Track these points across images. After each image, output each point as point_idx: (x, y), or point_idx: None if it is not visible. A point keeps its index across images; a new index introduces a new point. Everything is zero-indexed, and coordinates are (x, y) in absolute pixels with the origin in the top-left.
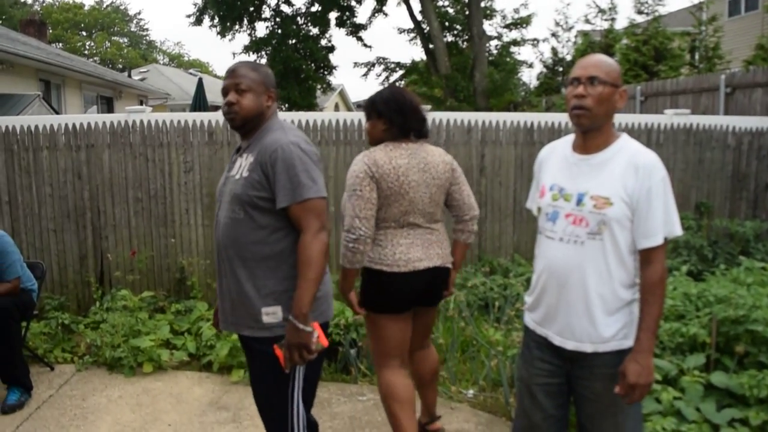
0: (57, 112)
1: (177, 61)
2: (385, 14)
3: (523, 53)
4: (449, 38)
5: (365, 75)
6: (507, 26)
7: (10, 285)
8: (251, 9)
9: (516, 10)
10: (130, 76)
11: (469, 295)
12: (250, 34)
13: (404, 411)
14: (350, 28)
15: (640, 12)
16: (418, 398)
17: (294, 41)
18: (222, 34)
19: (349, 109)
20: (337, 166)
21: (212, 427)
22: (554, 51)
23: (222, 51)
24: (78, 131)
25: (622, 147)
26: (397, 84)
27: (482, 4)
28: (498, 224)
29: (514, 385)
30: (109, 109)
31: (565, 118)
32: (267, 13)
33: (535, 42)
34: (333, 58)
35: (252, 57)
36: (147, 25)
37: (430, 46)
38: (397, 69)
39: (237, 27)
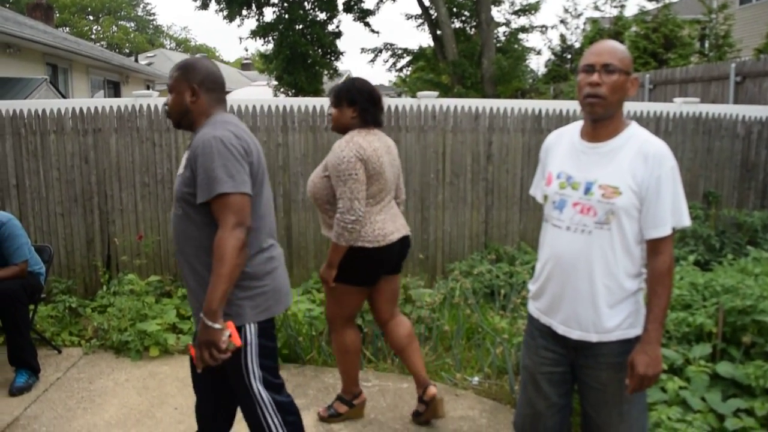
0: (64, 96)
1: (184, 46)
2: (393, 0)
3: (531, 40)
4: (457, 24)
5: (372, 61)
6: (515, 13)
7: (18, 268)
8: None
9: None
10: (137, 60)
11: (475, 283)
12: (258, 19)
13: (356, 360)
14: (358, 14)
15: None
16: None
17: (301, 26)
18: (229, 18)
19: None
20: None
21: None
22: (563, 38)
23: (229, 36)
24: (85, 115)
25: (631, 135)
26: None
27: None
28: (504, 212)
29: (518, 373)
30: (116, 94)
31: (574, 106)
32: None
33: (543, 29)
34: (340, 43)
35: (259, 42)
36: (154, 9)
37: (438, 32)
38: (405, 55)
39: (244, 12)
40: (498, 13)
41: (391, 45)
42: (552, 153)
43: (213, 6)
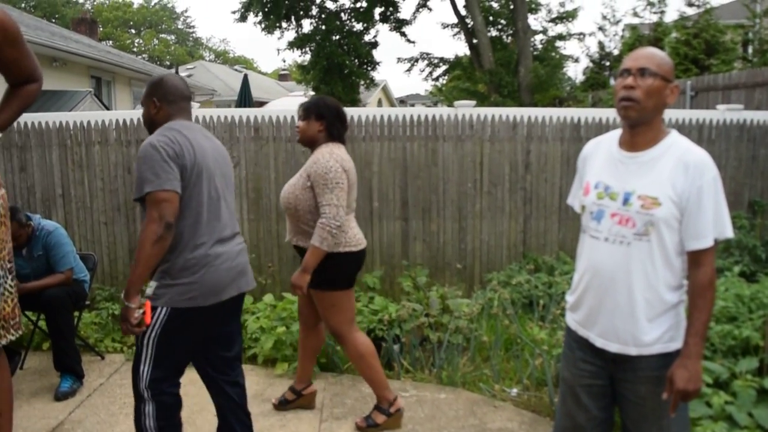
0: (108, 108)
1: (222, 57)
2: (429, 9)
3: (568, 48)
4: (493, 33)
5: (408, 70)
6: (552, 20)
7: (64, 276)
8: (297, 6)
9: (562, 4)
10: (177, 72)
11: (513, 293)
12: (296, 31)
13: (377, 362)
14: (394, 24)
15: (690, 4)
16: (298, 366)
17: (338, 37)
18: (268, 30)
19: (391, 104)
20: (381, 162)
21: (256, 419)
22: (601, 45)
23: (266, 47)
24: (128, 126)
25: (671, 144)
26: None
27: None
28: (543, 221)
29: (558, 385)
30: None
31: (613, 114)
32: (313, 10)
33: (581, 36)
34: (376, 53)
35: (296, 53)
36: (193, 22)
37: (474, 41)
38: (441, 64)
39: (283, 24)
40: (535, 21)
41: (428, 54)
42: (590, 162)
43: (251, 18)
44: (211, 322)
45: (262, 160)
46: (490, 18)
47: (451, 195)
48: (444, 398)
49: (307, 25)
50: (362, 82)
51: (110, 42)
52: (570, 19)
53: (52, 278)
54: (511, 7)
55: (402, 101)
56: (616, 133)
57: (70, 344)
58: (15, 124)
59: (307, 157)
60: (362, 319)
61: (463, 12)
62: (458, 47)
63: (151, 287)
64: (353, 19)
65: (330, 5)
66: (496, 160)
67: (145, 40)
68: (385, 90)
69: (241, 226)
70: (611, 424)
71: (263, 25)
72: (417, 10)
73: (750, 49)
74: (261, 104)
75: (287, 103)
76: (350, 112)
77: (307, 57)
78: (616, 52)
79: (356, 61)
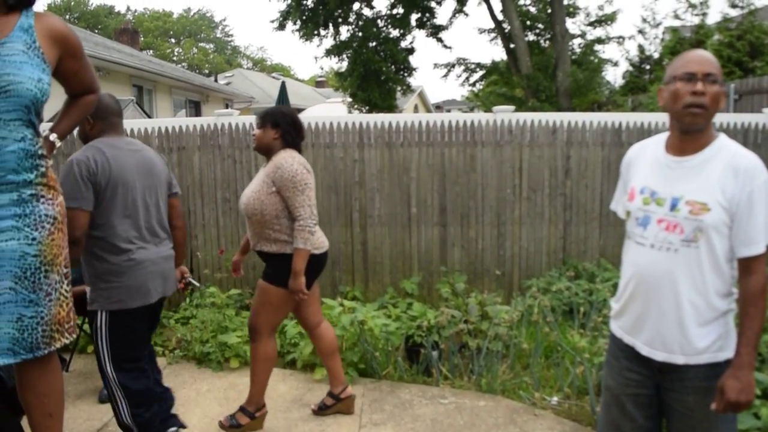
0: (149, 116)
1: (260, 65)
2: (466, 14)
3: (607, 51)
4: (531, 37)
5: (445, 76)
6: (591, 24)
7: None
8: (335, 14)
9: (600, 7)
10: (216, 80)
11: (553, 300)
12: (333, 38)
13: (271, 369)
14: (430, 30)
15: (733, 6)
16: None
17: (374, 44)
18: (306, 38)
19: (428, 110)
20: (419, 167)
21: (296, 423)
22: (641, 48)
23: (303, 54)
24: (170, 134)
25: (720, 148)
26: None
27: (565, 2)
28: (584, 228)
29: (599, 394)
30: (197, 113)
31: (656, 118)
32: (351, 17)
33: (620, 40)
34: (413, 59)
35: (333, 60)
36: (231, 31)
37: (511, 45)
38: (478, 69)
39: (321, 31)
40: (573, 25)
41: (464, 60)
42: (634, 167)
43: (290, 27)
44: (142, 322)
45: None
46: (528, 22)
47: (490, 201)
48: (483, 406)
49: (344, 32)
50: (399, 88)
51: (151, 51)
52: (609, 23)
53: None
54: (549, 11)
55: (438, 107)
56: (662, 137)
57: None
58: None
59: (349, 164)
60: (401, 325)
61: (500, 17)
62: (495, 52)
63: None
64: (390, 26)
65: (367, 12)
66: (536, 165)
67: (185, 49)
68: (422, 96)
69: None
70: None
71: (301, 33)
72: (453, 15)
73: None
74: (298, 111)
75: (325, 110)
76: (388, 118)
77: (344, 64)
78: (656, 55)
79: (393, 67)
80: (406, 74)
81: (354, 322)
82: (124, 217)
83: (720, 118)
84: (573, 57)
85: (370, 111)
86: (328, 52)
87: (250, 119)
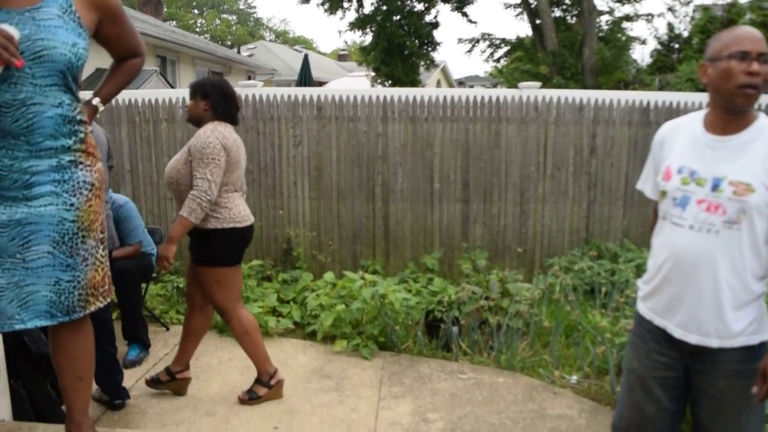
0: (172, 87)
1: (282, 37)
2: None
3: (635, 29)
4: (557, 13)
5: (469, 51)
6: (619, 0)
7: (133, 248)
8: None
9: None
10: (239, 52)
11: (575, 279)
12: (358, 11)
13: (260, 337)
14: (455, 4)
15: None
16: (179, 348)
17: (398, 17)
18: (330, 11)
19: (450, 85)
20: (443, 143)
21: (316, 394)
22: (670, 26)
23: (326, 27)
24: None
25: (762, 128)
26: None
27: None
28: (608, 207)
29: (620, 374)
30: None
31: (685, 98)
32: None
33: (649, 17)
34: (437, 34)
35: (357, 34)
36: (254, 2)
37: (537, 21)
38: (502, 45)
39: (344, 4)
40: (601, 1)
41: (489, 35)
42: (668, 146)
43: (314, 0)
44: None
45: (324, 139)
46: None
47: (513, 178)
48: (502, 382)
49: (368, 6)
50: (422, 63)
51: (174, 22)
52: (638, 0)
53: (122, 250)
54: None
55: (461, 82)
56: (697, 116)
57: (138, 315)
58: None
59: (372, 138)
60: (421, 300)
61: None
62: (520, 28)
63: None
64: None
65: None
66: (561, 143)
67: (208, 20)
68: (444, 71)
69: (302, 205)
70: (682, 416)
71: (326, 6)
72: None
73: None
74: (320, 84)
75: (348, 83)
76: (412, 92)
77: (368, 38)
78: (685, 34)
79: (416, 41)
80: (429, 49)
81: (375, 296)
82: None
83: None
84: (600, 34)
85: (393, 85)
86: (352, 26)
87: (274, 91)
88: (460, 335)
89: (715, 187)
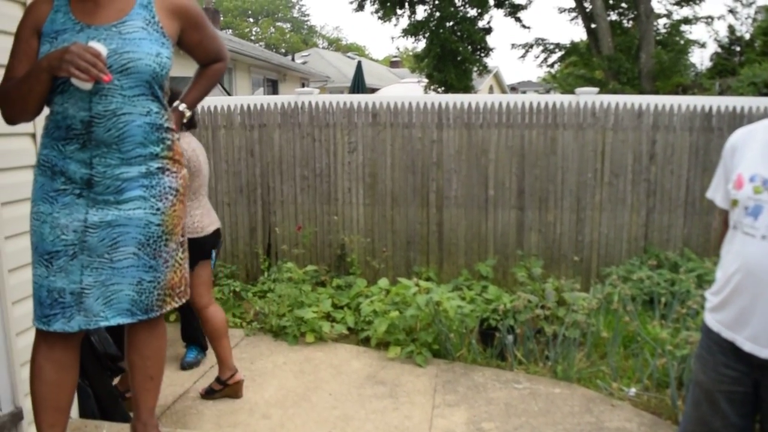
0: (229, 94)
1: (335, 45)
2: None
3: (694, 32)
4: (613, 17)
5: (523, 56)
6: (677, 3)
7: None
8: None
9: None
10: (293, 59)
11: (634, 289)
12: (410, 18)
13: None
14: (509, 9)
15: None
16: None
17: (451, 23)
18: (385, 18)
19: (503, 91)
20: (498, 149)
21: (370, 400)
22: (731, 29)
23: (378, 34)
24: (251, 112)
25: None
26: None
27: None
28: (667, 215)
29: (682, 387)
30: (274, 91)
31: (749, 102)
32: None
33: (709, 20)
34: (490, 39)
35: (410, 40)
36: (308, 11)
37: (593, 25)
38: (557, 50)
39: (398, 11)
40: (658, 4)
41: (543, 40)
42: (740, 153)
43: (368, 7)
44: None
45: (378, 145)
46: (610, 1)
47: (570, 185)
48: (559, 393)
49: (421, 12)
50: (475, 69)
51: (230, 31)
52: (697, 2)
53: None
54: None
55: (513, 88)
56: None
57: (195, 317)
58: None
59: (427, 144)
60: (475, 308)
61: None
62: (574, 32)
63: None
64: (467, 5)
65: None
66: (619, 149)
67: (263, 29)
68: (497, 77)
69: (356, 211)
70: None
71: (380, 14)
72: None
73: None
74: (373, 91)
75: (400, 90)
76: (467, 98)
77: (420, 44)
78: (747, 36)
79: (469, 47)
80: (482, 54)
81: (429, 303)
82: None
83: None
84: (657, 38)
85: (446, 91)
86: (405, 32)
87: (330, 98)
88: (515, 344)
89: None
